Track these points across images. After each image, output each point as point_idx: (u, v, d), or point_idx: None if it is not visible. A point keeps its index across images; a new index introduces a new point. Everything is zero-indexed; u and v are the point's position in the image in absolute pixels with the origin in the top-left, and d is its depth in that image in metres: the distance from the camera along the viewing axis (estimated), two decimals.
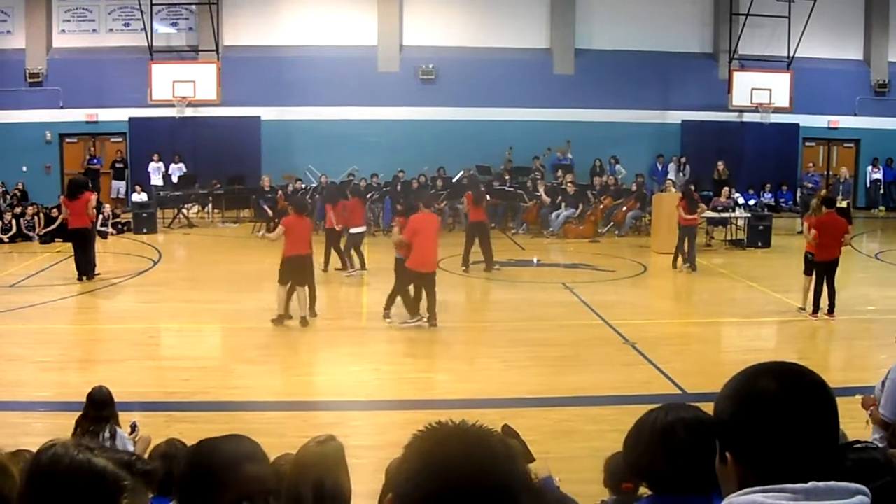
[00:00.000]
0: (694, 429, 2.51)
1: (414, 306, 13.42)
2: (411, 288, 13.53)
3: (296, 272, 13.40)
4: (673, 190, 21.27)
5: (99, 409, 6.89)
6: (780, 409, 1.79)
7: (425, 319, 13.34)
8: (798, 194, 25.81)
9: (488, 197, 18.91)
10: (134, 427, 7.48)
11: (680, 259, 18.55)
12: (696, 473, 2.43)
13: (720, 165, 25.96)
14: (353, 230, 17.72)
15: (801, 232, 23.10)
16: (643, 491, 3.89)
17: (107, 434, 6.73)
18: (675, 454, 2.50)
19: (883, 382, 6.02)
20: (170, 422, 8.83)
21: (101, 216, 21.59)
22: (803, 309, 14.39)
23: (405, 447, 1.57)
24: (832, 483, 1.76)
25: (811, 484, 1.74)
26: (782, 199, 27.52)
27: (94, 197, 17.87)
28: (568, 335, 13.07)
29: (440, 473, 1.48)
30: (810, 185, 24.93)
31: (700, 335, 13.73)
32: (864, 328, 13.69)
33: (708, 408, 2.59)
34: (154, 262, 19.26)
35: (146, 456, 6.29)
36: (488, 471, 1.48)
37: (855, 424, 6.08)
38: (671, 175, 26.40)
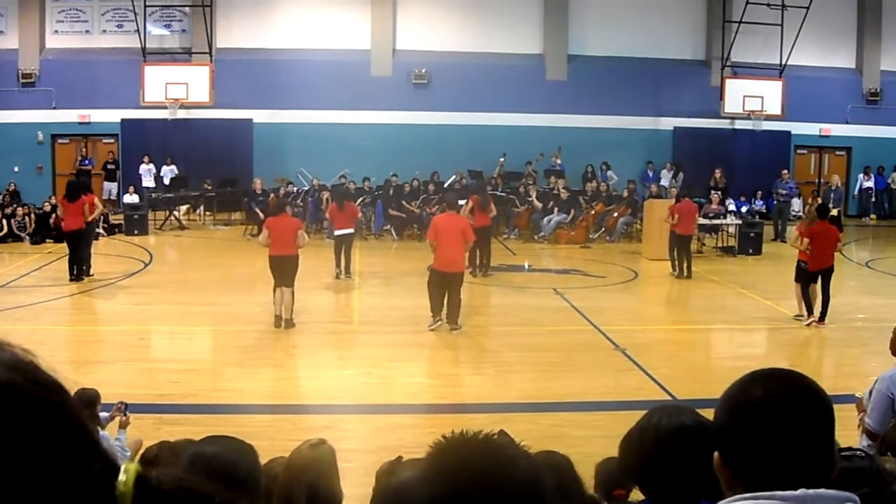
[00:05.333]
0: (695, 434, 2.50)
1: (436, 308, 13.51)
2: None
3: (276, 272, 13.45)
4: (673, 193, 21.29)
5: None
6: (768, 416, 1.79)
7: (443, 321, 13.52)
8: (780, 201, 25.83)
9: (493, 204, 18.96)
10: (123, 408, 7.46)
11: (683, 266, 18.46)
12: (692, 479, 2.42)
13: (717, 173, 26.03)
14: (336, 232, 17.75)
15: (774, 239, 23.27)
16: (634, 497, 3.90)
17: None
18: (676, 459, 2.49)
19: (870, 391, 6.03)
20: (159, 424, 8.80)
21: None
22: (800, 316, 14.40)
23: (425, 458, 1.58)
24: (822, 490, 1.76)
25: (801, 491, 1.73)
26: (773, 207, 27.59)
27: (94, 198, 17.93)
28: (559, 340, 13.08)
29: (448, 483, 1.49)
30: (784, 193, 25.01)
31: (691, 341, 13.76)
32: (855, 336, 13.72)
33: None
34: (145, 264, 19.22)
35: (136, 459, 6.28)
36: (496, 482, 1.48)
37: (846, 432, 6.10)
38: (664, 182, 26.46)
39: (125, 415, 7.52)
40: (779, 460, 1.77)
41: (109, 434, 7.37)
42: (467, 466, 1.49)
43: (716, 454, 1.87)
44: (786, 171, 25.81)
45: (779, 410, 1.79)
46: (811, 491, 1.74)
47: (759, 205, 26.79)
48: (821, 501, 1.74)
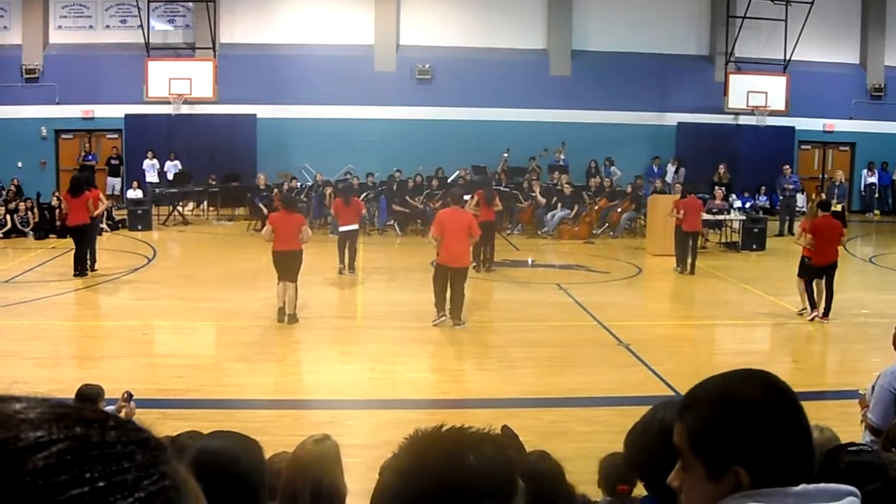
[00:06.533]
0: None
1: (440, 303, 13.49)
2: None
3: (280, 268, 13.47)
4: (678, 188, 21.28)
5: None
6: (753, 417, 1.77)
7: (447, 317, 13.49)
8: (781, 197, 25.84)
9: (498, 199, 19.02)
10: (129, 398, 7.47)
11: (687, 262, 18.43)
12: None
13: (721, 169, 26.03)
14: (340, 228, 17.76)
15: (779, 235, 23.29)
16: (637, 492, 3.90)
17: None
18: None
19: (873, 387, 6.03)
20: (163, 419, 8.81)
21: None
22: (804, 310, 14.36)
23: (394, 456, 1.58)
24: (822, 485, 1.76)
25: (801, 487, 1.73)
26: (777, 203, 27.54)
27: (99, 193, 17.99)
28: (562, 336, 13.09)
29: (407, 486, 1.49)
30: (791, 187, 25.03)
31: (694, 337, 13.75)
32: (858, 331, 13.71)
33: None
34: (149, 260, 19.24)
35: None
36: (455, 483, 1.48)
37: (847, 427, 6.10)
38: (668, 177, 26.43)
39: (130, 405, 7.53)
40: (769, 459, 1.76)
41: None
42: (420, 465, 1.49)
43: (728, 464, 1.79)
44: (787, 167, 25.80)
45: (762, 410, 1.78)
46: (812, 486, 1.74)
47: (762, 200, 26.79)
48: (822, 496, 1.74)
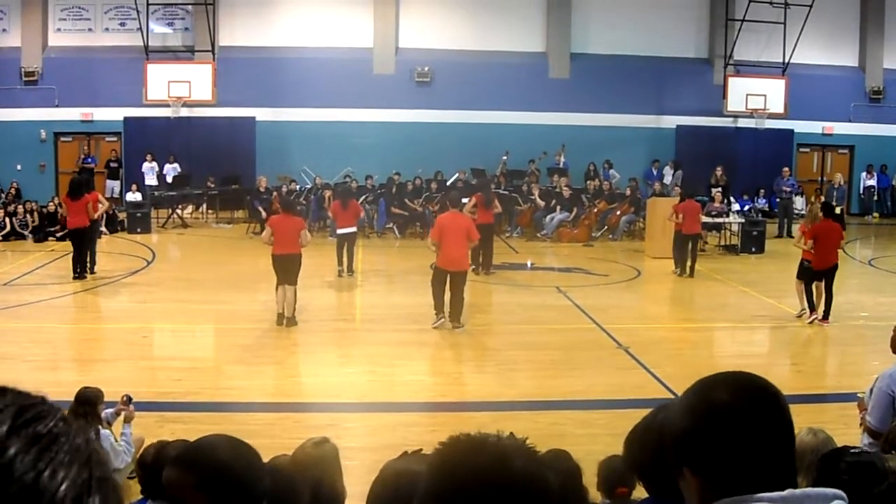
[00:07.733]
0: None
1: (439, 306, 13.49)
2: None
3: (279, 271, 13.46)
4: (677, 191, 21.29)
5: (77, 406, 6.93)
6: (737, 420, 1.75)
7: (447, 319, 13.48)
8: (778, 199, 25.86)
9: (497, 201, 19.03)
10: (128, 401, 7.47)
11: (687, 265, 18.43)
12: None
13: (718, 171, 26.05)
14: (338, 231, 17.77)
15: (777, 237, 23.30)
16: (637, 495, 3.90)
17: (91, 435, 6.72)
18: None
19: (871, 390, 6.03)
20: (161, 422, 8.82)
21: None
22: (803, 311, 14.34)
23: (430, 459, 1.58)
24: (808, 490, 1.77)
25: (787, 492, 1.72)
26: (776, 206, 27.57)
27: (98, 195, 18.00)
28: (561, 339, 13.08)
29: (448, 477, 1.49)
30: (788, 189, 25.06)
31: (693, 340, 13.74)
32: (858, 334, 13.72)
33: None
34: (148, 262, 19.23)
35: (137, 456, 6.29)
36: (494, 480, 1.48)
37: (846, 430, 6.11)
38: (667, 180, 26.43)
39: (129, 407, 7.54)
40: (751, 464, 1.75)
41: (114, 431, 7.39)
42: (466, 462, 1.50)
43: (684, 468, 1.81)
44: (786, 169, 25.83)
45: (748, 414, 1.77)
46: (798, 491, 1.74)
47: (762, 203, 26.80)
48: (808, 500, 1.73)
